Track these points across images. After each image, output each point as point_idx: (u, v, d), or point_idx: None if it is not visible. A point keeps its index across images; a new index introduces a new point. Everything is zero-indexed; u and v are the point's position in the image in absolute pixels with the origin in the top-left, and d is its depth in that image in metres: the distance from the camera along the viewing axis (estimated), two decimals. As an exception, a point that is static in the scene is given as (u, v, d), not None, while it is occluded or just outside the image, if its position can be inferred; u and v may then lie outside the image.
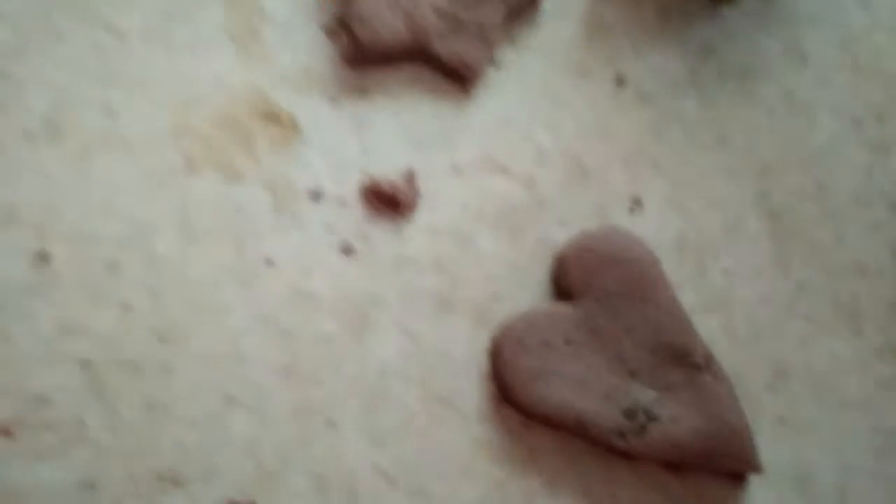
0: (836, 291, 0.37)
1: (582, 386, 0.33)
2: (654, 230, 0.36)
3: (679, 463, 0.33)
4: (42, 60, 0.34)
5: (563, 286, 0.34)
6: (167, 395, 0.32)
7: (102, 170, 0.34)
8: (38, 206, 0.33)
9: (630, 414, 0.32)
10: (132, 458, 0.31)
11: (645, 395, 0.33)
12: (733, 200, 0.38)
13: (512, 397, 0.33)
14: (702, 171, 0.38)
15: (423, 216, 0.36)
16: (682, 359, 0.33)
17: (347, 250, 0.35)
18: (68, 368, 0.32)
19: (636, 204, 0.37)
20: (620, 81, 0.38)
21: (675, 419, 0.32)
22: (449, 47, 0.36)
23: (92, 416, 0.32)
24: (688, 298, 0.35)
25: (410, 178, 0.36)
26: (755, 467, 0.33)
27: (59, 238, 0.33)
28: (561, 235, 0.36)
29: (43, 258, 0.33)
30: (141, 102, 0.35)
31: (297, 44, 0.36)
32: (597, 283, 0.34)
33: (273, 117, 0.36)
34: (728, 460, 0.33)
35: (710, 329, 0.35)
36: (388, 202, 0.35)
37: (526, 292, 0.35)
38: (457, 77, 0.37)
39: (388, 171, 0.36)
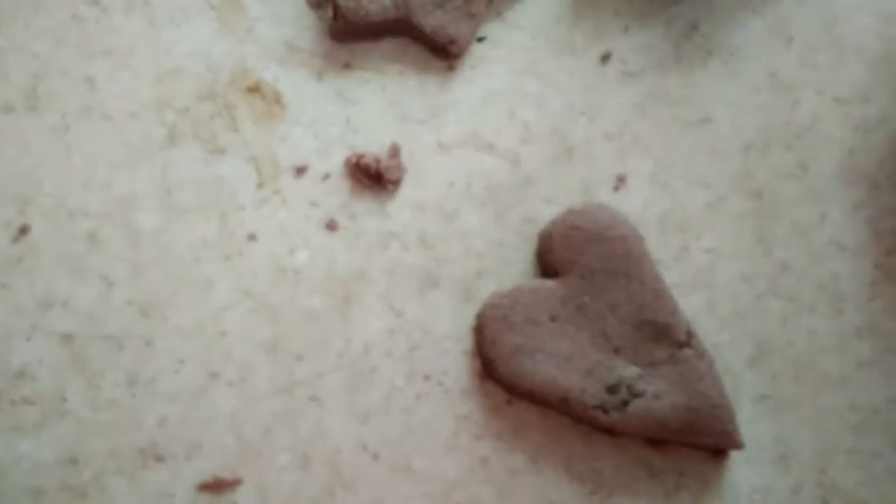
0: (818, 271, 0.37)
1: (566, 362, 0.33)
2: (638, 208, 0.37)
3: (661, 438, 0.34)
4: (22, 31, 0.34)
5: (548, 263, 0.35)
6: (149, 370, 0.32)
7: (83, 142, 0.33)
8: (18, 179, 0.33)
9: (613, 389, 0.33)
10: (114, 433, 0.31)
11: (628, 371, 0.33)
12: (717, 179, 0.38)
13: (496, 373, 0.33)
14: (686, 150, 0.38)
15: (408, 192, 0.36)
16: (664, 336, 0.33)
17: (332, 226, 0.35)
18: (49, 343, 0.32)
19: (620, 181, 0.37)
20: (606, 59, 0.38)
21: (658, 395, 0.33)
22: (434, 21, 0.36)
23: (73, 390, 0.31)
24: (671, 276, 0.36)
25: (395, 153, 0.35)
26: (736, 443, 0.34)
27: (39, 211, 0.33)
28: (546, 213, 0.36)
29: (22, 231, 0.32)
30: (122, 74, 0.34)
31: (280, 17, 0.36)
32: (582, 260, 0.34)
33: (256, 91, 0.35)
34: (709, 436, 0.33)
35: (692, 307, 0.36)
36: (372, 177, 0.35)
37: (511, 269, 0.35)
38: (442, 52, 0.37)
39: (372, 146, 0.36)
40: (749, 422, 0.35)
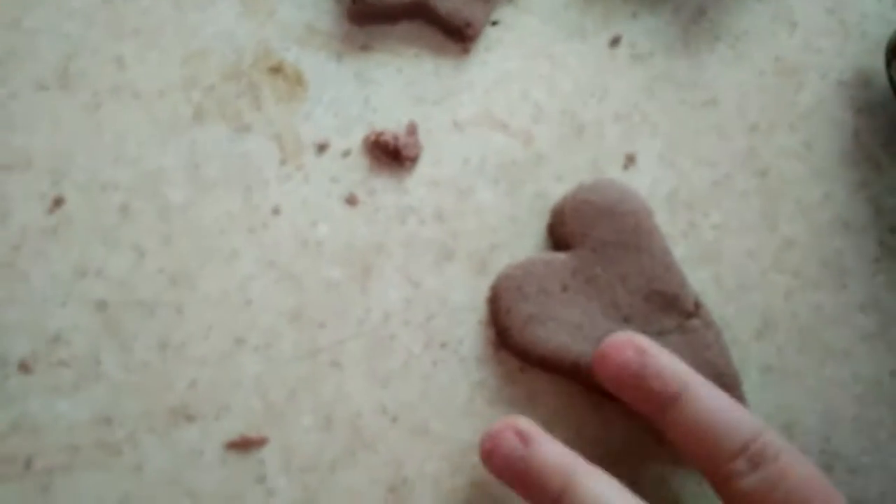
0: (822, 247, 0.38)
1: (578, 330, 0.34)
2: (647, 185, 0.38)
3: (670, 404, 0.35)
4: (54, 13, 0.35)
5: (560, 236, 0.36)
6: (179, 335, 0.33)
7: (114, 119, 0.35)
8: (53, 153, 0.34)
9: (624, 353, 0.34)
10: (146, 395, 0.33)
11: (638, 338, 0.34)
12: (723, 158, 0.39)
13: (510, 341, 0.34)
14: (693, 130, 0.39)
15: (425, 169, 0.37)
16: (673, 306, 0.34)
17: (351, 200, 0.36)
18: (84, 309, 0.33)
19: (630, 160, 0.38)
20: (615, 42, 0.39)
21: (667, 360, 0.34)
22: (450, 5, 0.37)
23: (107, 354, 0.33)
24: (679, 251, 0.37)
25: (412, 131, 0.37)
26: (742, 409, 0.34)
27: (73, 184, 0.34)
28: (557, 189, 0.37)
29: (58, 203, 0.34)
30: (150, 54, 0.36)
31: (301, 0, 0.37)
32: (593, 233, 0.35)
33: (279, 71, 0.37)
34: (716, 401, 0.34)
35: (700, 280, 0.37)
36: (391, 154, 0.36)
37: (524, 243, 0.37)
38: (457, 35, 0.38)
39: (390, 124, 0.37)
40: (755, 392, 0.36)
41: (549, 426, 0.35)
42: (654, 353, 0.31)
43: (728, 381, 0.34)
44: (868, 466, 0.36)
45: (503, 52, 0.38)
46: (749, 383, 0.35)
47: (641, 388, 0.31)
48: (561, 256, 0.35)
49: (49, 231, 0.33)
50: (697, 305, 0.35)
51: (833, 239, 0.38)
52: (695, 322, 0.34)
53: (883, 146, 0.39)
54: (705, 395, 0.30)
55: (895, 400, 0.37)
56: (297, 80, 0.37)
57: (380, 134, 0.36)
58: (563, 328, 0.34)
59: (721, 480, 0.30)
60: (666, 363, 0.31)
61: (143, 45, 0.36)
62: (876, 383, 0.37)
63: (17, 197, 0.33)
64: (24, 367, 0.32)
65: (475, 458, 0.34)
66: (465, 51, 0.38)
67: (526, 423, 0.31)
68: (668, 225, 0.37)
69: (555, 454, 0.30)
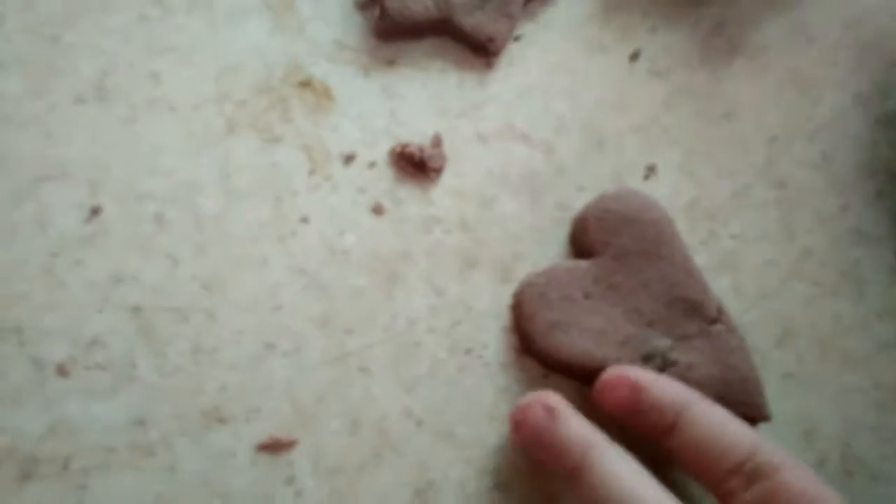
0: (840, 257, 0.39)
1: (601, 335, 0.35)
2: (667, 196, 0.38)
3: (691, 409, 0.35)
4: (92, 28, 0.36)
5: (582, 245, 0.36)
6: (211, 340, 0.34)
7: (149, 131, 0.36)
8: (90, 164, 0.35)
9: (648, 358, 0.34)
10: (179, 398, 0.33)
11: (662, 342, 0.34)
12: (742, 170, 0.39)
13: (533, 347, 0.35)
14: (712, 142, 0.40)
15: (450, 180, 0.38)
16: (695, 311, 0.35)
17: (378, 210, 0.37)
18: (120, 314, 0.34)
19: (650, 171, 0.39)
20: (635, 57, 0.40)
21: (691, 365, 0.34)
22: (474, 21, 0.38)
23: (141, 358, 0.34)
24: (699, 260, 0.37)
25: (437, 143, 0.38)
26: (764, 415, 0.35)
27: (110, 194, 0.35)
28: (579, 200, 0.38)
29: (95, 212, 0.35)
30: (184, 69, 0.37)
31: (330, 17, 0.39)
32: (615, 242, 0.36)
33: (308, 85, 0.38)
34: (739, 407, 0.34)
35: (720, 289, 0.37)
36: (416, 166, 0.37)
37: (546, 251, 0.37)
38: (481, 50, 0.39)
39: (416, 137, 0.38)
40: (776, 399, 0.36)
41: (572, 431, 0.35)
42: (647, 386, 0.33)
43: (750, 386, 0.35)
44: (889, 473, 0.36)
45: (525, 67, 0.39)
46: (770, 390, 0.36)
47: (640, 423, 0.33)
48: (583, 264, 0.36)
49: (86, 239, 0.34)
50: (720, 311, 0.35)
51: (851, 249, 0.39)
52: (718, 327, 0.35)
53: (898, 158, 0.40)
54: (699, 417, 0.32)
55: (915, 407, 0.37)
56: (326, 94, 0.38)
57: (405, 146, 0.37)
58: (586, 334, 0.35)
59: (722, 497, 0.31)
60: (658, 395, 0.32)
61: (178, 60, 0.37)
62: (894, 390, 0.37)
63: (55, 206, 0.34)
64: (62, 371, 0.33)
65: (499, 463, 0.35)
66: (489, 65, 0.39)
67: (555, 399, 0.33)
68: (688, 234, 0.38)
69: (578, 429, 0.32)
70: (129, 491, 0.32)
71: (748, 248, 0.39)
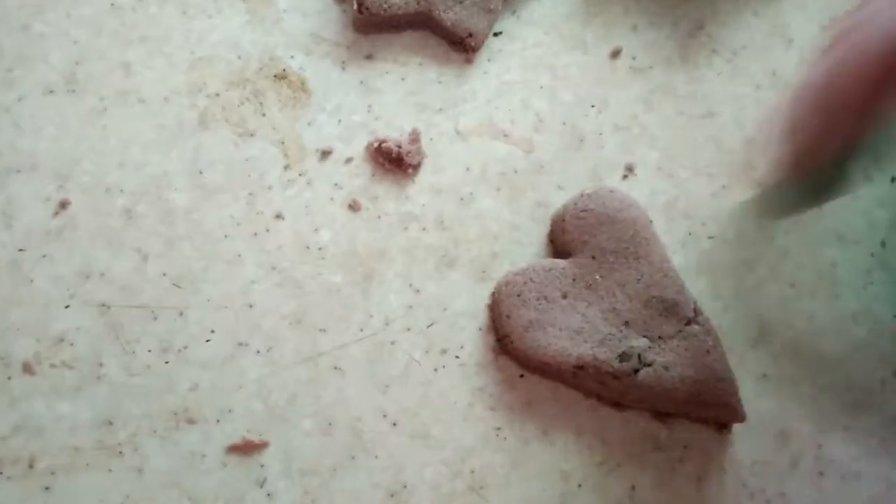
0: (816, 258, 0.39)
1: (578, 335, 0.34)
2: (645, 195, 0.38)
3: (667, 410, 0.35)
4: (63, 19, 0.36)
5: (560, 244, 0.36)
6: (181, 339, 0.33)
7: (119, 123, 0.35)
8: (59, 156, 0.34)
9: (624, 357, 0.34)
10: (148, 397, 0.33)
11: (639, 342, 0.34)
12: (720, 170, 0.39)
13: (511, 347, 0.35)
14: (691, 142, 0.39)
15: (427, 176, 0.37)
16: (672, 312, 0.35)
17: (354, 206, 0.36)
18: (87, 310, 0.33)
19: (629, 170, 0.39)
20: (615, 55, 0.40)
21: (667, 366, 0.34)
22: (454, 16, 0.38)
23: (109, 356, 0.33)
24: (677, 260, 0.37)
25: (416, 139, 0.37)
26: (739, 416, 0.35)
27: (78, 187, 0.34)
28: (558, 198, 0.38)
29: (62, 206, 0.34)
30: (157, 61, 0.36)
31: (307, 8, 0.38)
32: (593, 241, 0.35)
33: (283, 78, 0.37)
34: (714, 408, 0.34)
35: (697, 290, 0.37)
36: (394, 161, 0.37)
37: (524, 250, 0.37)
38: (460, 45, 0.38)
39: (393, 132, 0.37)
40: (751, 399, 0.36)
41: (549, 431, 0.35)
42: None
43: (726, 387, 0.35)
44: (860, 472, 0.36)
45: (505, 63, 0.39)
46: (745, 390, 0.36)
47: None
48: (561, 263, 0.36)
49: (54, 233, 0.33)
50: (696, 311, 0.35)
51: (827, 250, 0.39)
52: (694, 328, 0.35)
53: (875, 160, 0.40)
54: None
55: (886, 408, 0.37)
56: (302, 88, 0.37)
57: (383, 141, 0.37)
58: (563, 333, 0.34)
59: None
60: None
61: (150, 51, 0.36)
62: (868, 392, 0.37)
63: (22, 199, 0.34)
64: (28, 369, 0.32)
65: (475, 464, 0.34)
66: (468, 61, 0.39)
67: None
68: (667, 234, 0.38)
69: None
70: (95, 491, 0.32)
71: (726, 249, 0.38)
